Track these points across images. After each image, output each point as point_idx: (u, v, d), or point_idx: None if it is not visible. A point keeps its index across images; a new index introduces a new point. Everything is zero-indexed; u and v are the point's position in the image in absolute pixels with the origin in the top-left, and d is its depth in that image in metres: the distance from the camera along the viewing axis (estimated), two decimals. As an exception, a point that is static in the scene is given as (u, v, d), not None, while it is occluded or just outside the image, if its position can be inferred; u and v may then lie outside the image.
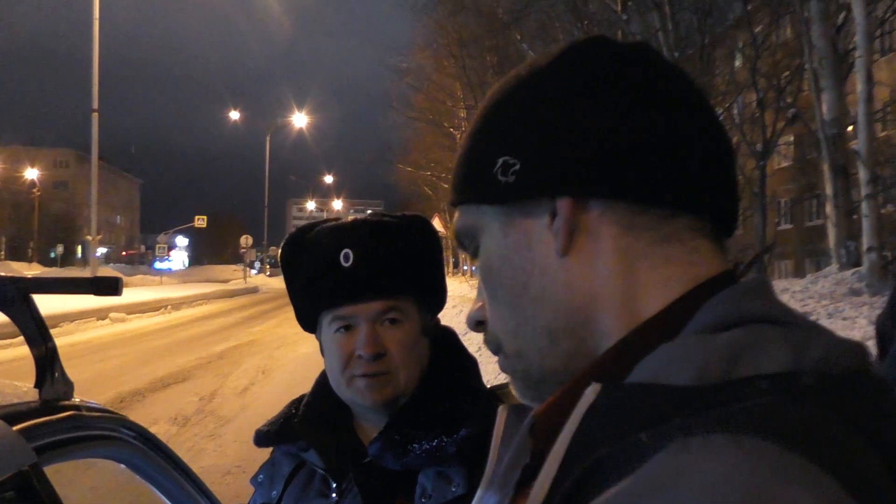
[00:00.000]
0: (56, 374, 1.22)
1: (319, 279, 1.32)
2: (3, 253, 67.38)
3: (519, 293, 0.68)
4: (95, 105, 26.42)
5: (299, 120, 58.03)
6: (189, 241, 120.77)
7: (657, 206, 0.64)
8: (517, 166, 0.66)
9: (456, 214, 0.75)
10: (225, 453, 7.28)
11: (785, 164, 34.04)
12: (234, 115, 60.36)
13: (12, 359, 12.49)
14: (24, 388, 1.27)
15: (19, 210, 76.97)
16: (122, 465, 1.43)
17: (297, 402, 1.43)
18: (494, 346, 0.72)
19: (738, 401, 0.51)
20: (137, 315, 23.36)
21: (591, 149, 0.64)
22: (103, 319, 21.06)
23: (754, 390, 0.52)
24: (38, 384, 1.22)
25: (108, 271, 46.39)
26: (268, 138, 58.52)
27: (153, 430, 6.12)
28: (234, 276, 63.02)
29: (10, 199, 73.39)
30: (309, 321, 1.38)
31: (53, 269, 51.68)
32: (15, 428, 1.02)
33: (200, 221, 52.35)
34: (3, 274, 1.20)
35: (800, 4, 12.45)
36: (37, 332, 1.19)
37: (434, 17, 25.37)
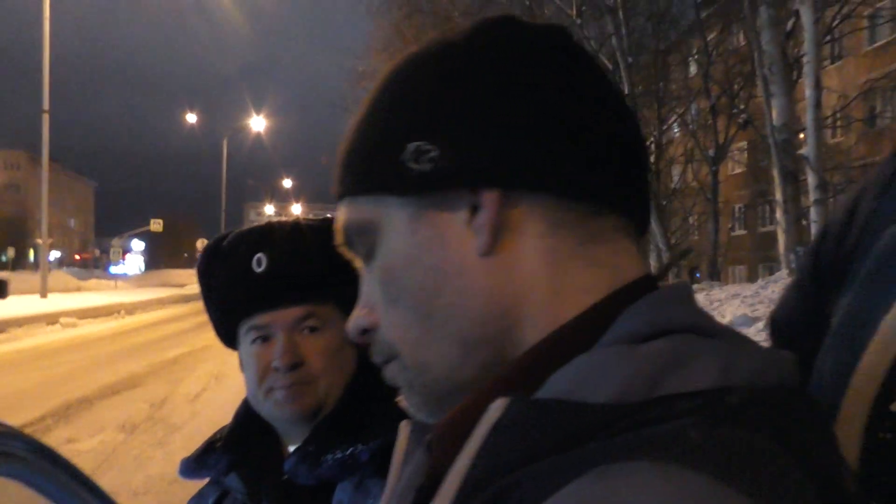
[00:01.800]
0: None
1: (233, 288, 1.25)
2: (-48, 257, 65.87)
3: (428, 298, 0.60)
4: (46, 105, 25.99)
5: (257, 123, 57.55)
6: (145, 245, 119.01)
7: (586, 201, 0.59)
8: (434, 153, 0.58)
9: (343, 209, 0.65)
10: (173, 461, 7.11)
11: (738, 169, 34.53)
12: (191, 117, 59.68)
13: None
14: None
15: (-31, 213, 75.43)
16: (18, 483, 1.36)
17: (221, 430, 1.35)
18: (385, 356, 0.64)
19: (662, 422, 0.46)
20: (90, 320, 22.94)
21: (522, 136, 0.57)
22: (53, 324, 20.66)
23: (679, 410, 0.47)
24: None
25: (60, 275, 45.61)
26: (225, 142, 57.94)
27: (100, 437, 6.02)
28: (190, 280, 62.20)
29: (-40, 201, 71.82)
30: (228, 336, 1.30)
31: (4, 272, 50.66)
32: None
33: (157, 225, 51.60)
34: None
35: (750, 11, 12.61)
36: None
37: (390, 19, 25.36)
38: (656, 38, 18.74)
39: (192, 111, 61.09)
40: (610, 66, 17.65)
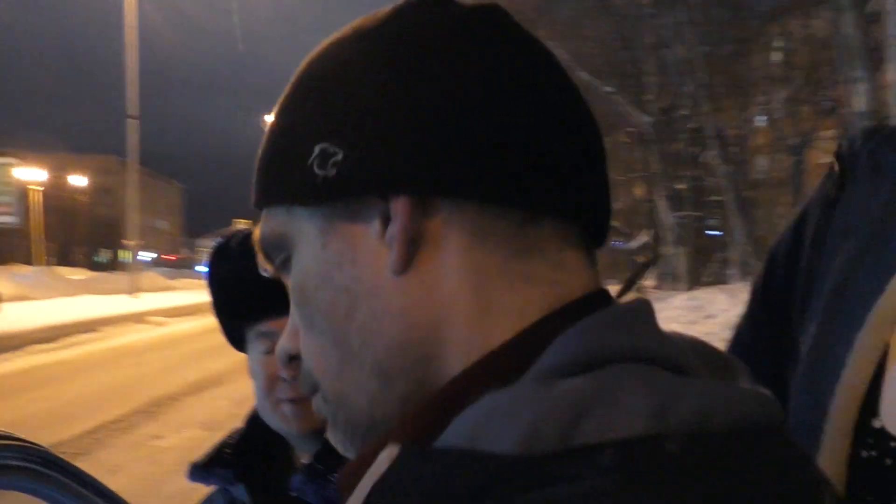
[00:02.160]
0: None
1: (239, 291, 1.21)
2: (52, 258, 68.59)
3: (342, 321, 0.52)
4: (132, 111, 26.78)
5: (337, 122, 58.09)
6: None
7: (516, 207, 0.51)
8: (339, 156, 0.51)
9: (260, 221, 0.59)
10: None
11: (827, 158, 33.26)
12: (270, 118, 60.65)
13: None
14: None
15: (66, 216, 78.37)
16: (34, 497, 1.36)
17: (233, 434, 1.32)
18: (309, 387, 0.57)
19: (571, 481, 0.38)
20: (177, 318, 23.56)
21: (435, 133, 0.50)
22: (143, 323, 21.31)
23: (594, 467, 0.38)
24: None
25: (150, 275, 47.02)
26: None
27: (185, 434, 6.17)
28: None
29: (58, 205, 74.64)
30: (237, 339, 1.27)
31: (99, 273, 52.46)
32: None
33: (241, 225, 52.65)
34: None
35: (832, -5, 12.16)
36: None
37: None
38: (735, 25, 18.24)
39: (271, 112, 62.03)
40: (685, 56, 17.27)
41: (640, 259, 24.97)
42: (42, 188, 55.30)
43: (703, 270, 21.69)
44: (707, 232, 23.87)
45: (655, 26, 18.02)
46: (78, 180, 75.23)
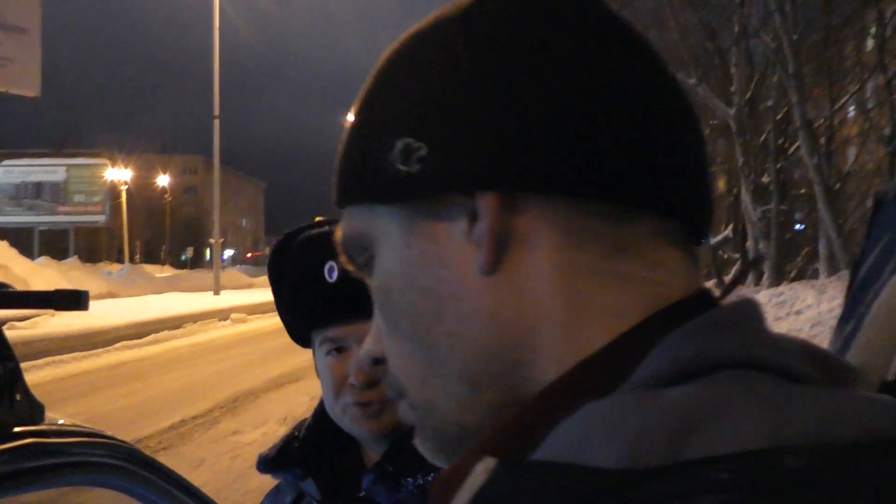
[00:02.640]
0: (17, 397, 1.13)
1: (303, 296, 1.17)
2: (138, 256, 70.86)
3: (428, 325, 0.50)
4: (216, 112, 27.41)
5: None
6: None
7: (611, 203, 0.47)
8: (423, 151, 0.48)
9: (342, 219, 0.57)
10: (329, 454, 7.32)
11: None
12: (352, 116, 61.63)
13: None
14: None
15: (153, 215, 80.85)
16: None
17: (301, 425, 1.29)
18: (396, 392, 0.54)
19: (684, 498, 0.34)
20: (258, 315, 24.05)
21: (524, 126, 0.46)
22: (225, 320, 21.79)
23: (709, 483, 0.35)
24: (-7, 410, 1.12)
25: (233, 273, 48.15)
26: (384, 139, 59.57)
27: (262, 429, 6.24)
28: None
29: (145, 204, 77.04)
30: (300, 339, 1.24)
31: (183, 271, 54.01)
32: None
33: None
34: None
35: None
36: (-6, 350, 1.10)
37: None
38: (827, 12, 17.66)
39: (352, 109, 63.18)
40: (773, 45, 16.80)
41: (724, 254, 24.49)
42: (128, 187, 57.17)
43: (788, 265, 21.12)
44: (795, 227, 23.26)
45: (742, 15, 17.56)
46: (163, 180, 77.46)
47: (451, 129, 0.48)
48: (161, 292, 30.32)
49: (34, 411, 1.16)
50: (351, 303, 1.11)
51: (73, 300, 1.02)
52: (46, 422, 1.20)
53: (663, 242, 0.49)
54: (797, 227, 24.36)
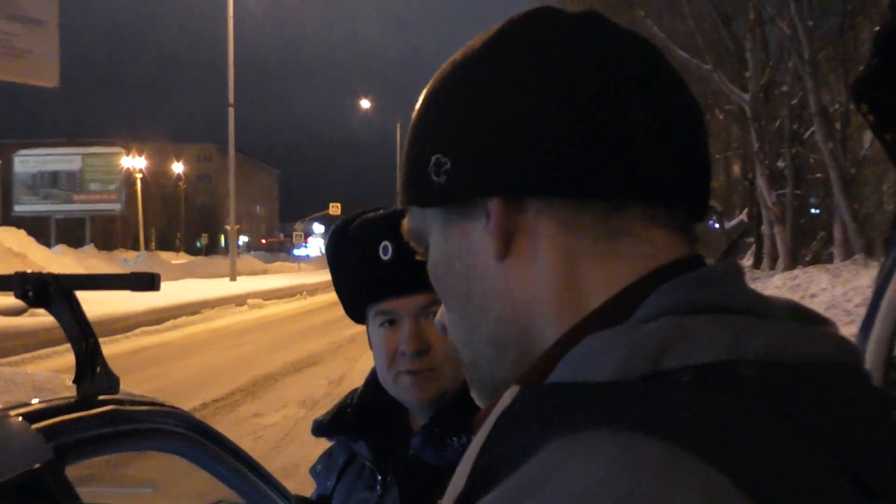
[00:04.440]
0: (98, 370, 1.25)
1: (361, 273, 1.29)
2: (153, 243, 71.23)
3: (464, 301, 0.63)
4: (231, 100, 27.53)
5: (428, 106, 58.54)
6: (325, 228, 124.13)
7: (599, 199, 0.58)
8: (448, 165, 0.61)
9: (407, 215, 0.71)
10: (349, 437, 7.41)
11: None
12: (365, 103, 61.60)
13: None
14: (67, 383, 1.31)
15: (167, 203, 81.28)
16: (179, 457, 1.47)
17: (353, 393, 1.42)
18: (455, 353, 0.68)
19: (653, 395, 0.46)
20: (274, 301, 24.25)
21: (518, 142, 0.58)
22: (241, 306, 21.97)
23: (674, 383, 0.47)
24: (77, 380, 1.25)
25: (248, 259, 48.36)
26: (398, 126, 59.45)
27: (283, 412, 6.33)
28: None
29: (159, 192, 77.44)
30: (356, 315, 1.36)
31: (198, 257, 54.27)
32: (37, 425, 1.05)
33: (335, 209, 53.55)
34: (47, 271, 1.24)
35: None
36: (77, 328, 1.22)
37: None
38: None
39: (365, 97, 62.91)
40: (788, 32, 16.73)
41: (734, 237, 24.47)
42: (143, 175, 57.41)
43: (803, 250, 21.09)
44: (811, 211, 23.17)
45: (757, 2, 17.50)
46: (177, 168, 77.76)
47: (468, 146, 0.60)
48: (177, 279, 30.51)
49: (111, 382, 1.28)
50: (403, 278, 1.24)
51: (148, 281, 1.13)
52: (121, 393, 1.32)
53: (651, 224, 0.59)
54: (813, 211, 24.26)
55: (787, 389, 0.46)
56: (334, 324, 18.04)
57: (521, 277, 0.60)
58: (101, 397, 1.25)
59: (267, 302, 23.57)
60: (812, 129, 18.28)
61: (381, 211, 1.33)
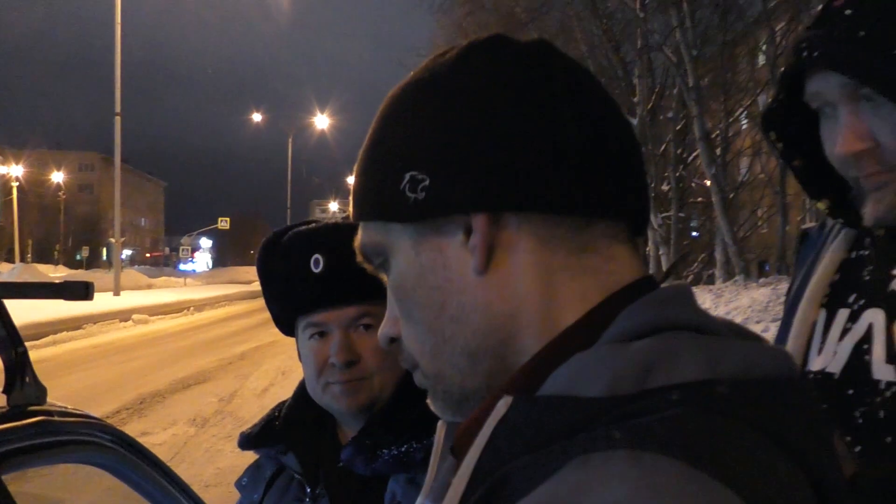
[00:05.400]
0: (27, 380, 1.22)
1: (292, 285, 1.31)
2: (29, 256, 68.11)
3: (436, 314, 0.64)
4: (118, 108, 26.70)
5: (321, 122, 58.26)
6: (213, 243, 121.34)
7: (573, 215, 0.62)
8: (426, 182, 0.62)
9: (359, 231, 0.71)
10: (243, 454, 7.10)
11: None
12: (257, 117, 60.71)
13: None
14: (-6, 395, 1.27)
15: (46, 213, 77.91)
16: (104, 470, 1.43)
17: (281, 405, 1.42)
18: (410, 365, 0.69)
19: (648, 413, 0.49)
20: (160, 316, 23.51)
21: (503, 159, 0.61)
22: (126, 321, 21.22)
23: (665, 402, 0.50)
24: (6, 390, 1.22)
25: (132, 273, 46.81)
26: (290, 140, 58.83)
27: (172, 430, 6.14)
28: (257, 276, 63.15)
29: (37, 202, 74.21)
30: (286, 326, 1.37)
31: (79, 271, 52.22)
32: (-29, 435, 1.02)
33: (224, 223, 52.51)
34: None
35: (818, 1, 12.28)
36: (6, 337, 1.19)
37: (452, 17, 25.33)
38: (722, 29, 18.41)
39: (258, 111, 61.96)
40: (674, 59, 17.40)
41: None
42: (20, 184, 54.89)
43: (684, 271, 21.88)
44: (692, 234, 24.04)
45: (645, 30, 18.14)
46: (57, 177, 74.72)
47: (448, 164, 0.62)
48: (56, 293, 29.17)
49: (40, 393, 1.25)
50: (334, 291, 1.27)
51: (82, 291, 1.12)
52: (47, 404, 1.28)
53: (615, 241, 0.64)
54: (693, 234, 25.21)
55: (757, 405, 0.52)
56: (223, 340, 17.68)
57: (500, 291, 0.62)
58: (30, 408, 1.22)
59: (153, 317, 22.83)
60: (696, 153, 19.05)
61: (313, 224, 1.35)
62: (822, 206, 1.19)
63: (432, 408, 0.69)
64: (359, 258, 0.73)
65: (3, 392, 1.23)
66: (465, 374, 0.64)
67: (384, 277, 0.71)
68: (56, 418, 1.26)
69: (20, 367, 1.20)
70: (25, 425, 1.16)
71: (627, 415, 0.50)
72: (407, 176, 0.63)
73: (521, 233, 0.62)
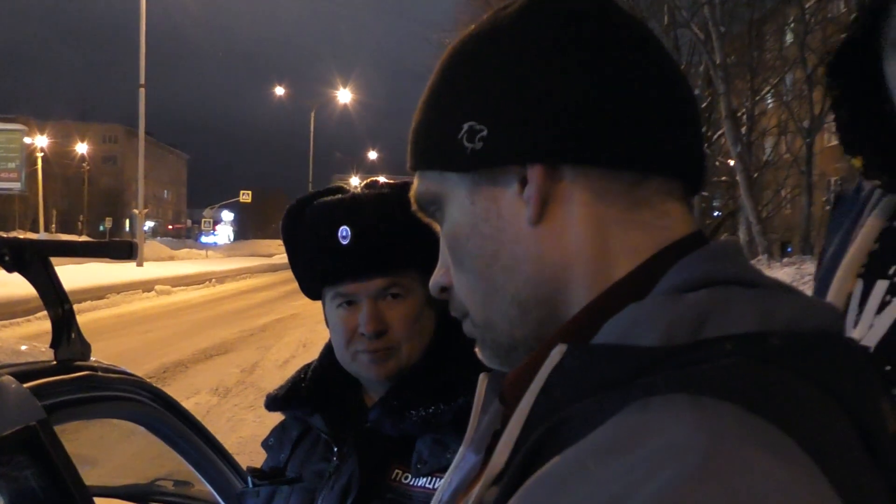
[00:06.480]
0: (72, 336, 1.25)
1: (319, 257, 1.31)
2: (53, 226, 68.74)
3: (488, 262, 0.65)
4: (142, 80, 26.79)
5: (344, 96, 58.06)
6: (234, 216, 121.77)
7: (629, 169, 0.62)
8: (484, 132, 0.63)
9: (415, 180, 0.72)
10: (264, 423, 7.32)
11: (836, 142, 33.21)
12: (279, 90, 60.68)
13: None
14: (41, 348, 1.31)
15: (70, 184, 78.58)
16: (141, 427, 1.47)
17: (306, 368, 1.44)
18: (461, 313, 0.70)
19: (703, 362, 0.50)
20: (182, 288, 23.68)
21: (563, 112, 0.61)
22: (149, 291, 21.40)
23: (720, 351, 0.51)
24: (54, 345, 1.25)
25: (155, 245, 47.17)
26: (312, 114, 58.73)
27: (195, 400, 6.18)
28: (278, 250, 63.35)
29: (61, 173, 74.77)
30: (313, 293, 1.38)
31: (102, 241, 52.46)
32: (26, 385, 1.06)
33: (245, 196, 52.47)
34: (21, 237, 1.23)
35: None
36: (54, 294, 1.22)
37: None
38: (751, 6, 18.19)
39: (280, 84, 61.90)
40: (701, 36, 17.23)
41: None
42: (45, 154, 55.29)
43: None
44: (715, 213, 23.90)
45: (672, 6, 17.95)
46: (81, 148, 75.21)
47: (506, 115, 0.62)
48: (80, 262, 29.59)
49: (84, 349, 1.28)
50: (362, 263, 1.28)
51: (127, 250, 1.14)
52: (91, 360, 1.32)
53: (669, 197, 0.64)
54: (715, 213, 25.07)
55: (809, 358, 0.52)
56: (245, 312, 17.79)
57: (553, 242, 0.63)
58: (76, 363, 1.26)
59: (175, 288, 23.00)
60: (720, 131, 18.90)
61: (339, 195, 1.35)
62: (857, 163, 1.15)
63: (480, 356, 0.70)
64: (413, 206, 0.74)
65: (51, 346, 1.27)
66: (514, 323, 0.65)
67: (437, 226, 0.72)
68: (100, 374, 1.30)
69: (66, 323, 1.24)
70: (73, 378, 1.20)
71: (683, 363, 0.51)
72: (465, 126, 0.64)
73: (576, 185, 0.62)
